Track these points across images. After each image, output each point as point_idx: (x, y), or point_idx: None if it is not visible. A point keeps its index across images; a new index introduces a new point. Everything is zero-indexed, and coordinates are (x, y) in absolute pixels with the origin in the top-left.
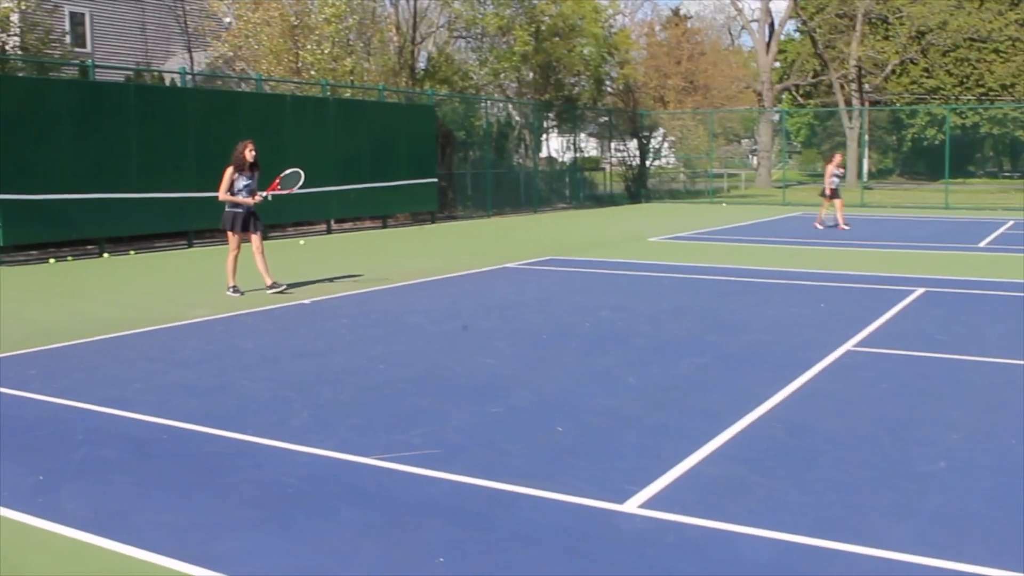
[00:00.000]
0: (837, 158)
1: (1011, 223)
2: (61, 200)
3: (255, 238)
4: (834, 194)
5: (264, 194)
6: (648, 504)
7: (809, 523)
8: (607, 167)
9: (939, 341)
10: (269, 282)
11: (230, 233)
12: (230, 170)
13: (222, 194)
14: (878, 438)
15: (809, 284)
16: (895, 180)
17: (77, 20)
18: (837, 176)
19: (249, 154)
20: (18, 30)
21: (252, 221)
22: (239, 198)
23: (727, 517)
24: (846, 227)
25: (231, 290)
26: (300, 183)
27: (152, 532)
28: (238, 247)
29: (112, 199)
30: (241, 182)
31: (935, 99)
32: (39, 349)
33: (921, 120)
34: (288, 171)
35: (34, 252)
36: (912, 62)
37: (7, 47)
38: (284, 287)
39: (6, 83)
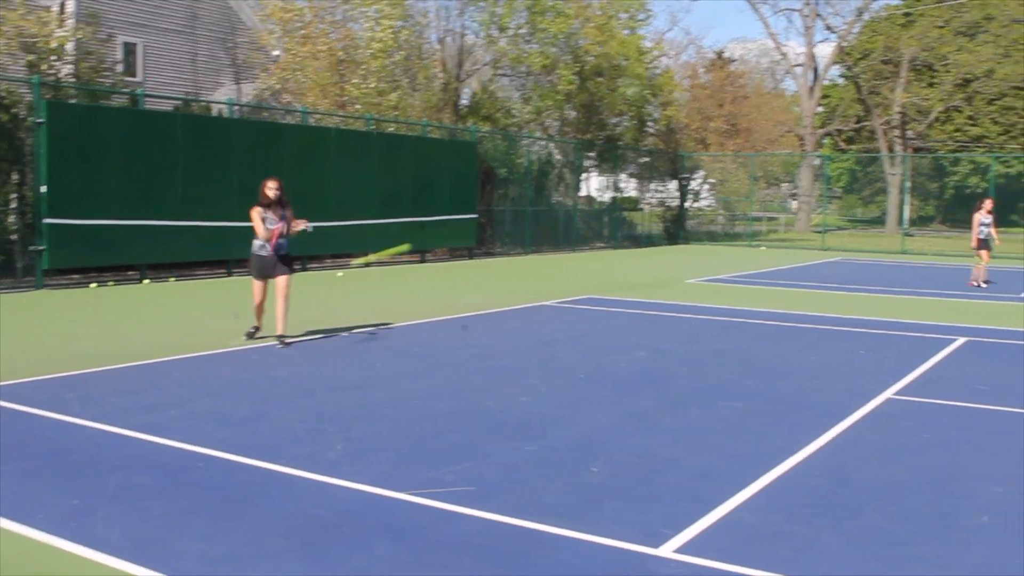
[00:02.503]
0: (987, 204)
1: None
2: (106, 225)
3: (281, 280)
4: (981, 245)
5: (289, 227)
6: (684, 549)
7: (848, 574)
8: (646, 207)
9: (981, 392)
10: (280, 331)
11: (253, 280)
12: (257, 209)
13: (261, 233)
14: (919, 489)
15: (849, 330)
16: (936, 228)
17: (129, 50)
18: (985, 225)
19: (270, 192)
20: (72, 58)
21: (275, 265)
22: (263, 237)
23: (764, 565)
24: (983, 284)
25: (251, 331)
26: (306, 231)
27: (185, 560)
28: (261, 294)
29: (155, 226)
30: (269, 222)
31: (979, 147)
32: (78, 373)
33: (964, 168)
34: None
35: (76, 276)
36: (957, 110)
37: (61, 75)
38: (287, 344)
39: (58, 109)
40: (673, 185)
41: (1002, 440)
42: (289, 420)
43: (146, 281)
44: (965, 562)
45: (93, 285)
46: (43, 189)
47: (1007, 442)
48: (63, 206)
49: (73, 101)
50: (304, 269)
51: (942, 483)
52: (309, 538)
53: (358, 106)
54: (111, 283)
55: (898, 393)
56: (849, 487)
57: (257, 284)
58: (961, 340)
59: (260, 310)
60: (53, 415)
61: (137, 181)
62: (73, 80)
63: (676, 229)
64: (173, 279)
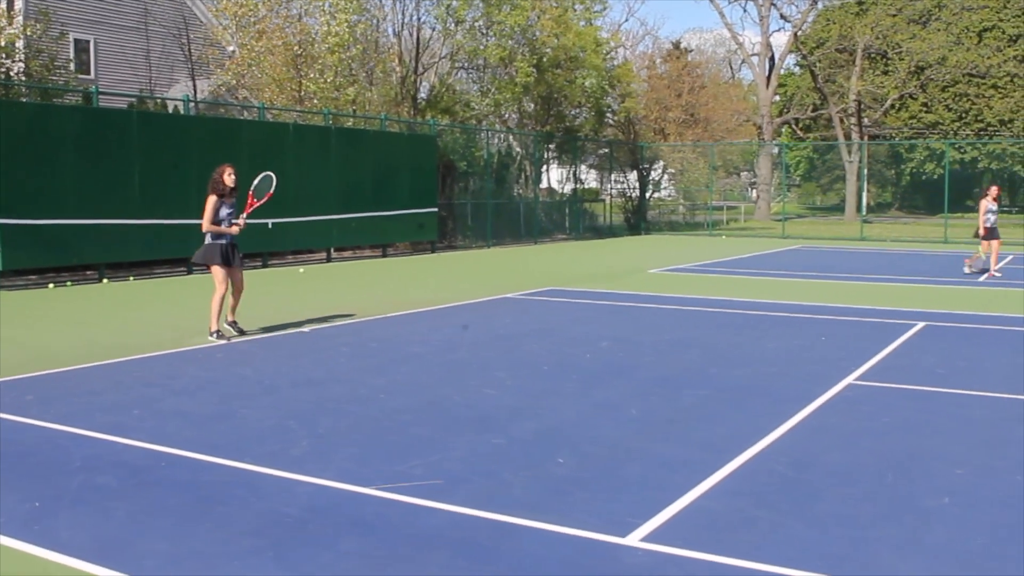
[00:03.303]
0: (993, 191)
1: (1010, 257)
2: (62, 225)
3: (239, 275)
4: (990, 234)
5: (244, 218)
6: (651, 537)
7: (813, 558)
8: (607, 199)
9: (940, 375)
10: (216, 326)
11: (216, 268)
12: (213, 199)
13: (207, 224)
14: (881, 473)
15: (809, 317)
16: (894, 214)
17: (82, 47)
18: (992, 212)
19: (228, 179)
20: (23, 56)
21: (233, 253)
22: (223, 228)
23: (731, 551)
24: (997, 274)
25: (214, 335)
26: (273, 185)
27: (150, 560)
28: (226, 282)
29: (113, 225)
30: (224, 211)
31: (934, 134)
32: (37, 374)
33: (920, 154)
34: (257, 178)
35: (33, 277)
36: (911, 97)
37: (12, 73)
38: (228, 340)
39: (10, 108)
40: (633, 176)
41: (961, 423)
42: (253, 418)
43: (105, 281)
44: (928, 542)
45: (51, 286)
46: None
47: (966, 425)
48: (17, 206)
49: (24, 99)
50: (265, 265)
51: (903, 466)
52: (276, 536)
53: (316, 101)
54: (69, 283)
55: (859, 378)
56: (812, 472)
57: (223, 272)
58: (920, 325)
59: (221, 304)
60: (12, 417)
61: (93, 180)
62: (24, 78)
63: (637, 220)
64: (132, 278)
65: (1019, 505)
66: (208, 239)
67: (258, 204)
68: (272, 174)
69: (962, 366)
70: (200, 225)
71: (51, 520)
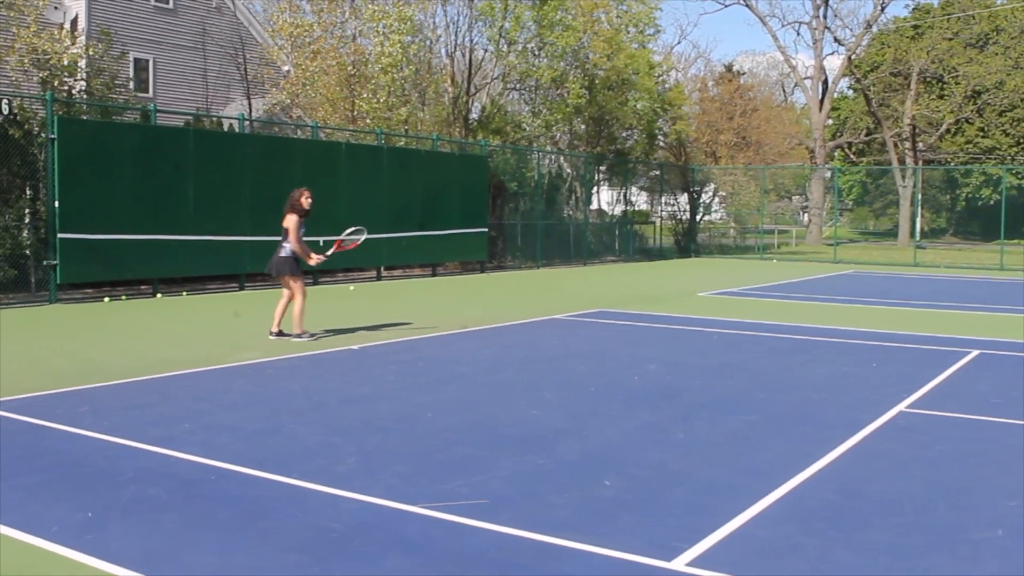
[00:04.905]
0: None
1: None
2: (118, 240)
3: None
4: None
5: (328, 255)
6: (697, 562)
7: None
8: (657, 221)
9: (994, 404)
10: (301, 328)
11: (294, 279)
12: (296, 218)
13: (296, 243)
14: (932, 502)
15: (861, 343)
16: (948, 240)
17: (141, 66)
18: None
19: (306, 201)
20: (84, 75)
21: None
22: (311, 256)
23: None
24: None
25: (306, 336)
26: (363, 239)
27: (197, 572)
28: (303, 290)
29: (168, 240)
30: (301, 229)
31: (991, 159)
32: (91, 386)
33: (976, 180)
34: (352, 229)
35: (90, 290)
36: (967, 122)
37: (73, 91)
38: (316, 337)
39: (70, 126)
40: (684, 198)
41: (1015, 453)
42: (301, 433)
43: (159, 296)
44: (978, 575)
45: (106, 299)
46: (56, 204)
47: (1020, 456)
48: (76, 221)
49: (85, 117)
50: (316, 283)
51: (955, 496)
52: (321, 551)
53: (368, 120)
54: (124, 297)
55: (910, 406)
56: (861, 500)
57: (302, 280)
58: (974, 352)
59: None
60: (66, 428)
61: (149, 196)
62: (85, 96)
63: (687, 242)
64: (185, 293)
65: None
66: (284, 253)
67: (342, 249)
68: (364, 230)
69: (1017, 396)
70: (280, 241)
71: (102, 530)
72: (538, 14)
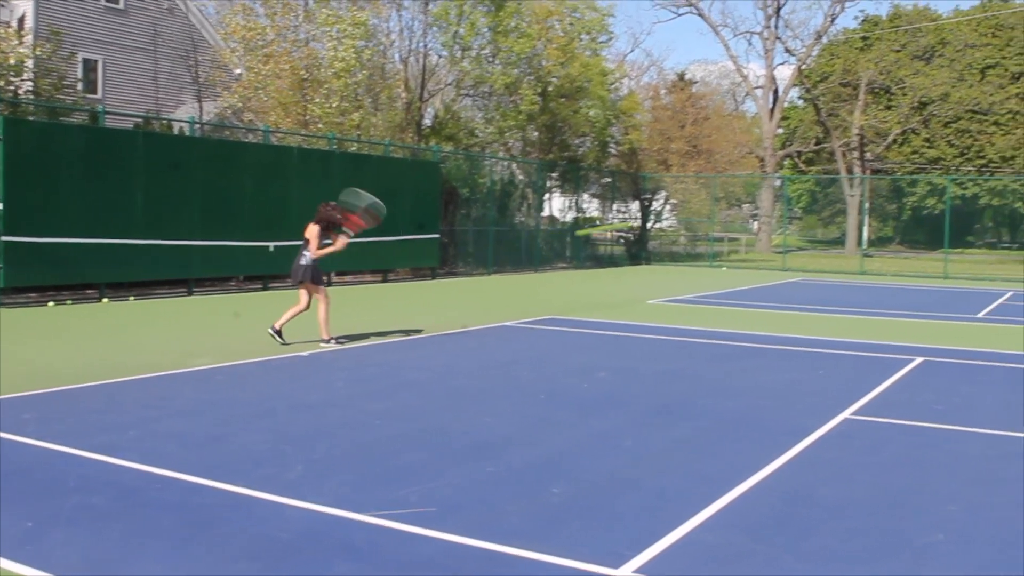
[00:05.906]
0: None
1: (1010, 294)
2: (64, 243)
3: (309, 296)
4: None
5: (352, 234)
6: (644, 569)
7: None
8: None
9: (937, 411)
10: (327, 335)
11: (315, 286)
12: (318, 229)
13: (316, 250)
14: (876, 508)
15: (807, 351)
16: (894, 248)
17: (90, 67)
18: None
19: (333, 213)
20: (32, 75)
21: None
22: (324, 251)
23: None
24: None
25: (331, 341)
26: (383, 215)
27: None
28: (327, 297)
29: (115, 244)
30: (324, 239)
31: (936, 169)
32: (35, 392)
33: (922, 189)
34: (371, 200)
35: (34, 295)
36: (914, 132)
37: (20, 91)
38: (342, 344)
39: (16, 126)
40: (635, 206)
41: (957, 459)
42: (250, 441)
43: (105, 300)
44: None
45: (51, 304)
46: (0, 206)
47: (961, 461)
48: (21, 224)
49: (32, 118)
50: (266, 288)
51: (898, 502)
52: (269, 560)
53: (320, 125)
54: (69, 302)
55: (855, 413)
56: (807, 506)
57: (324, 288)
58: (918, 360)
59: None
60: (8, 436)
61: (97, 199)
62: (32, 97)
63: (638, 250)
64: (133, 298)
65: (1013, 542)
66: (307, 260)
67: (365, 227)
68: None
69: (959, 402)
70: (301, 249)
71: (44, 541)
72: (493, 20)
